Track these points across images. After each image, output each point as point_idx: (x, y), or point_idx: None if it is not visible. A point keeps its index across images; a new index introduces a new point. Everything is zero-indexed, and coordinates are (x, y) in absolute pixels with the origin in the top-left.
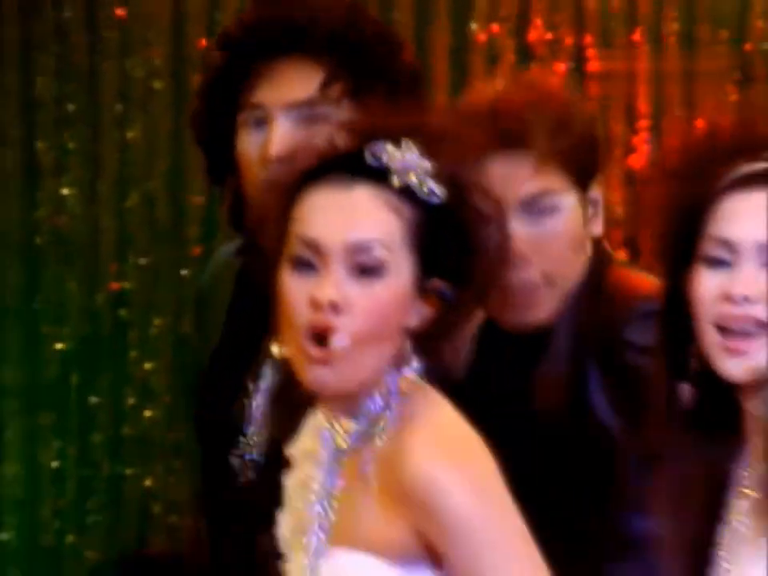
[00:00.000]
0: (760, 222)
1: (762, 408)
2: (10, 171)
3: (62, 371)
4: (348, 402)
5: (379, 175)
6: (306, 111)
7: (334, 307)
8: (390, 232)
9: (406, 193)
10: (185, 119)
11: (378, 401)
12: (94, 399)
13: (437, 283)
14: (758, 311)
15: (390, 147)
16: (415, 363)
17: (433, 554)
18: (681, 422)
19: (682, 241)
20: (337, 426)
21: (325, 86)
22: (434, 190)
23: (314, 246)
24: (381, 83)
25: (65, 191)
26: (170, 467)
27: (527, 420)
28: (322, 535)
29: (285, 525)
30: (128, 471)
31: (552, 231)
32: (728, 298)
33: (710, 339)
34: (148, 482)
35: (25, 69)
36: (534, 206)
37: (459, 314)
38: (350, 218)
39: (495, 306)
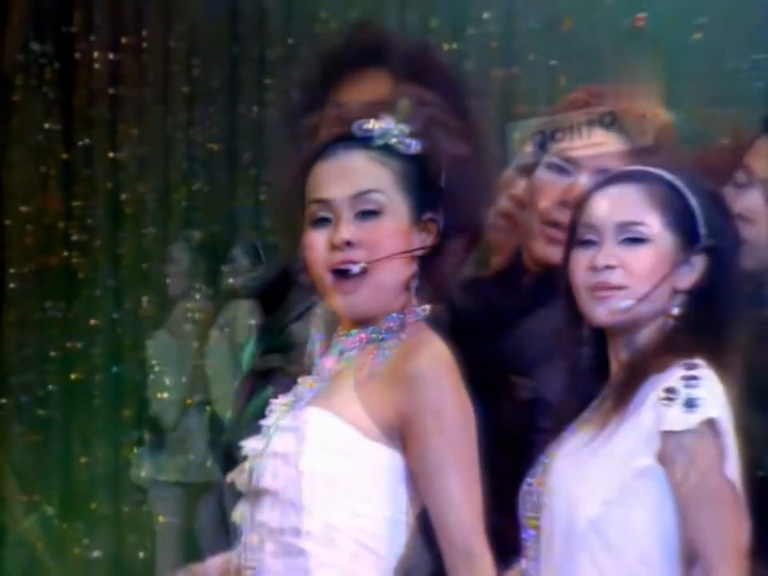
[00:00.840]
0: (618, 207)
1: (622, 352)
2: (100, 218)
3: None
4: (367, 321)
5: (366, 142)
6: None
7: (348, 244)
8: (382, 181)
9: (390, 150)
10: (238, 174)
11: (391, 321)
12: None
13: (430, 214)
14: (615, 276)
15: (372, 120)
16: (423, 310)
17: (401, 439)
18: (574, 369)
19: (572, 231)
20: (352, 332)
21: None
22: (411, 144)
23: (326, 204)
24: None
25: (144, 232)
26: None
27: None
28: (309, 395)
29: (282, 398)
30: None
31: None
32: (593, 268)
33: (584, 296)
34: None
35: (112, 139)
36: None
37: (454, 239)
38: (350, 177)
39: (532, 236)
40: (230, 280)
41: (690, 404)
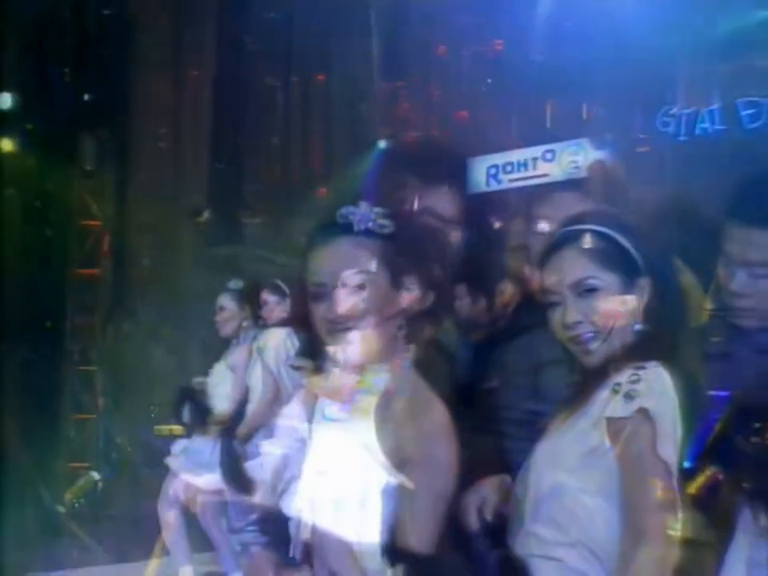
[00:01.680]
0: (565, 272)
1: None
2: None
3: None
4: (364, 370)
5: (348, 227)
6: None
7: (342, 316)
8: (364, 261)
9: (368, 233)
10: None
11: (384, 368)
12: None
13: (408, 277)
14: (583, 327)
15: (350, 207)
16: (409, 357)
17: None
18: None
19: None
20: (361, 379)
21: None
22: (385, 225)
23: (321, 286)
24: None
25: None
26: None
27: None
28: (336, 424)
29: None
30: None
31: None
32: (565, 326)
33: (566, 345)
34: None
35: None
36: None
37: (429, 296)
38: (338, 261)
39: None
40: (267, 319)
41: (629, 396)
